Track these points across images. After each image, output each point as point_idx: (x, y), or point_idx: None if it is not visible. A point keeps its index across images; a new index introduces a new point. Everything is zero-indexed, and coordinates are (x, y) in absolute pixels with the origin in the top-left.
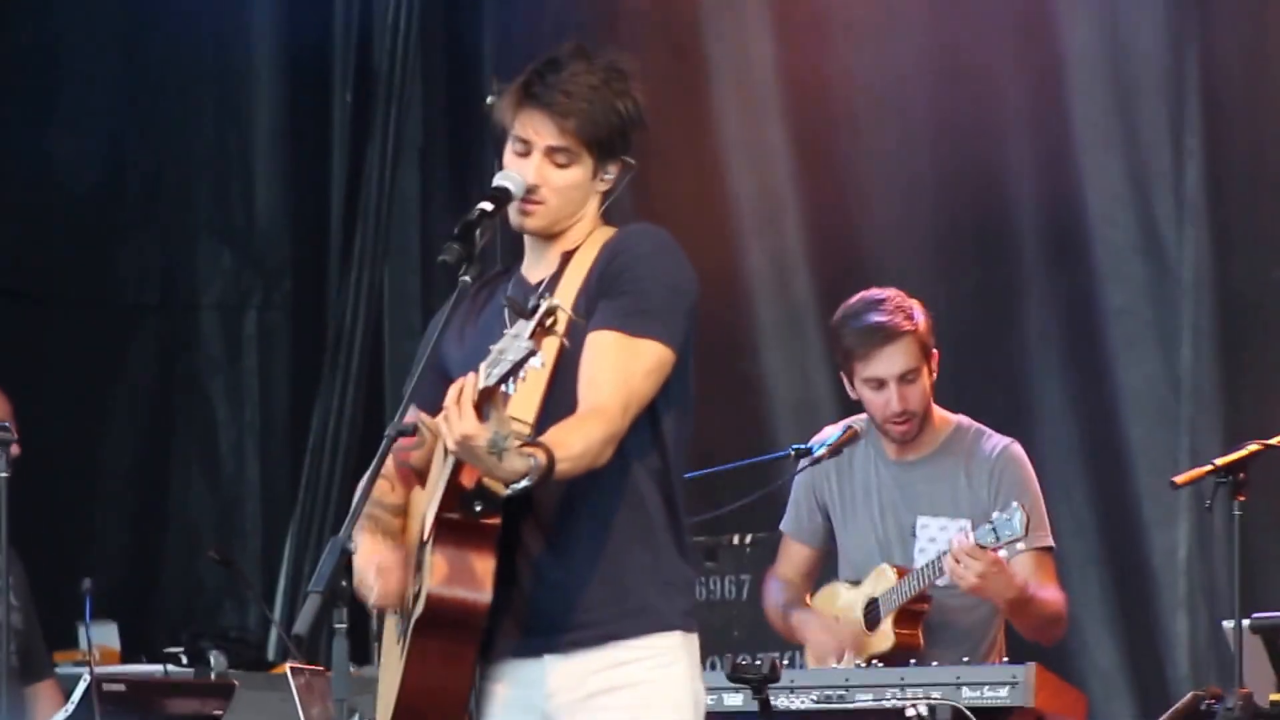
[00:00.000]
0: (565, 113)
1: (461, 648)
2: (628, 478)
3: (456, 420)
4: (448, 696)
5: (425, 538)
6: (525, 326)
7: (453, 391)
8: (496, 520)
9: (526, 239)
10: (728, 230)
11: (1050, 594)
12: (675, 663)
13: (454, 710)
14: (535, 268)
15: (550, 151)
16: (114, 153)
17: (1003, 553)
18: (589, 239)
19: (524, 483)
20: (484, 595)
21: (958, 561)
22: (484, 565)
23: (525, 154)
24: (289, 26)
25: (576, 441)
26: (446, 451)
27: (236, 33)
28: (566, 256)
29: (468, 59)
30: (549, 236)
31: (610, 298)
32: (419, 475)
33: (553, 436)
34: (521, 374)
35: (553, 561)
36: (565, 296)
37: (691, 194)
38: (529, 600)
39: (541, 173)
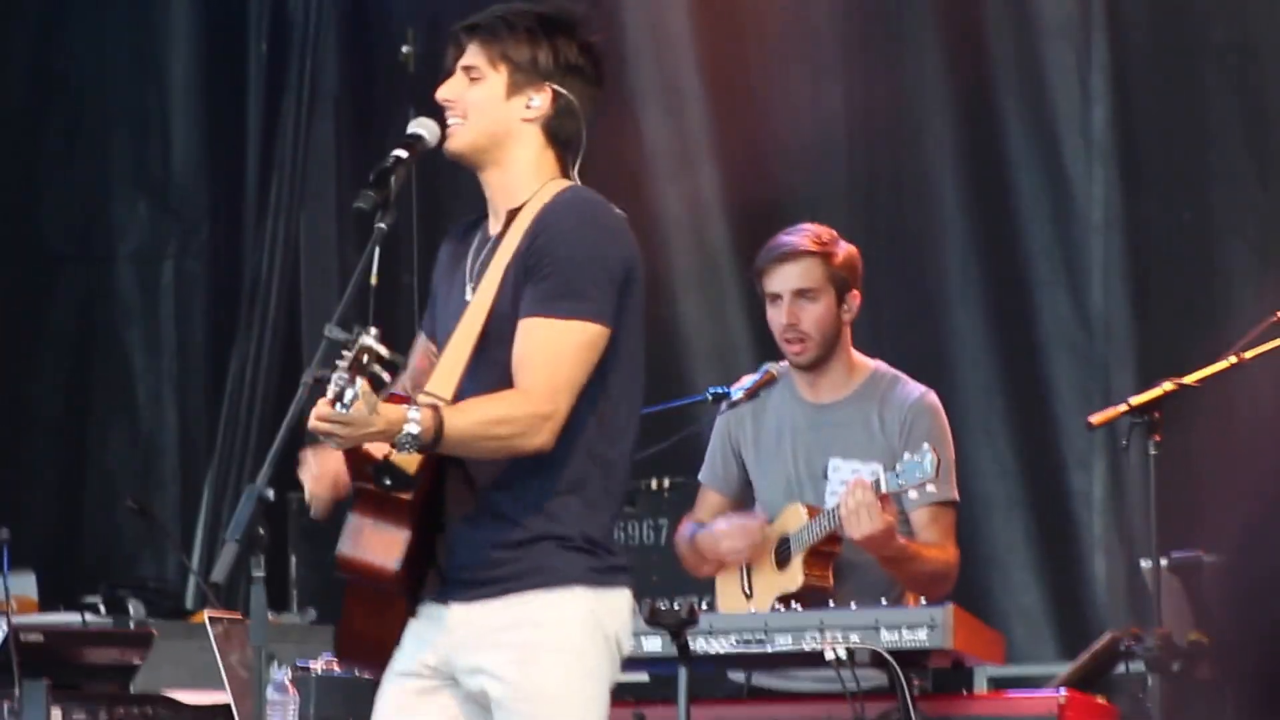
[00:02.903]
0: (476, 31)
1: (384, 602)
2: (548, 453)
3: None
4: (380, 628)
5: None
6: (344, 360)
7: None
8: (406, 496)
9: (486, 193)
10: (642, 177)
11: (937, 551)
12: (573, 613)
13: (386, 641)
14: (493, 221)
15: (464, 70)
16: (30, 103)
17: (912, 494)
18: (535, 196)
19: (408, 430)
20: (390, 564)
21: (852, 511)
22: (395, 536)
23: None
24: None
25: (482, 409)
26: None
27: None
28: (511, 214)
29: (382, 9)
30: (491, 183)
31: (534, 281)
32: None
33: (456, 404)
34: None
35: (466, 527)
36: (500, 260)
37: (605, 141)
38: (446, 557)
39: (455, 88)
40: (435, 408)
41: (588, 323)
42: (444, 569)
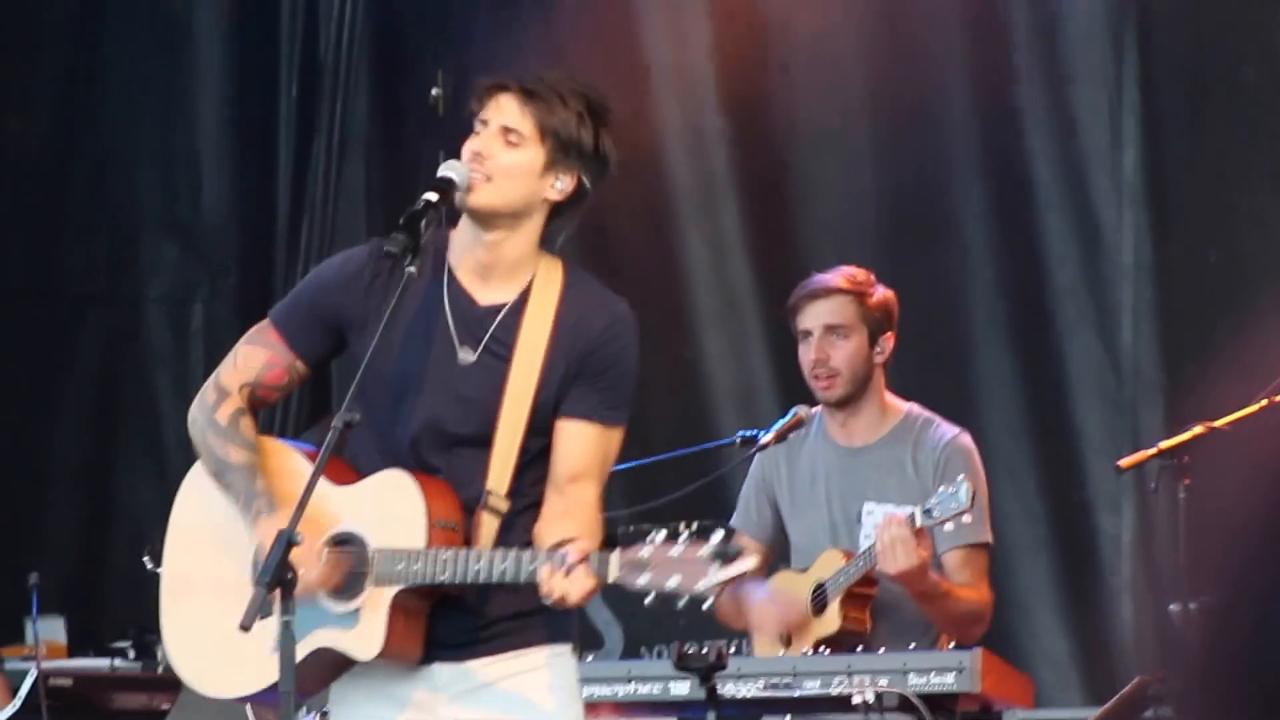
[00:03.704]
0: (529, 96)
1: (351, 664)
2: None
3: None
4: (315, 686)
5: (381, 583)
6: (716, 572)
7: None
8: (456, 591)
9: (466, 245)
10: (665, 216)
11: (971, 592)
12: (568, 665)
13: (315, 691)
14: (481, 287)
15: (504, 130)
16: (59, 144)
17: (948, 526)
18: (540, 272)
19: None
20: (420, 649)
21: (887, 547)
22: (424, 621)
23: (480, 131)
24: (236, 19)
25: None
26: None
27: (183, 25)
28: (525, 291)
29: (412, 54)
30: (493, 244)
31: (595, 387)
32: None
33: (589, 543)
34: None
35: (471, 597)
36: (533, 337)
37: (629, 181)
38: (438, 623)
39: (490, 145)
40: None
41: (622, 430)
42: (429, 632)
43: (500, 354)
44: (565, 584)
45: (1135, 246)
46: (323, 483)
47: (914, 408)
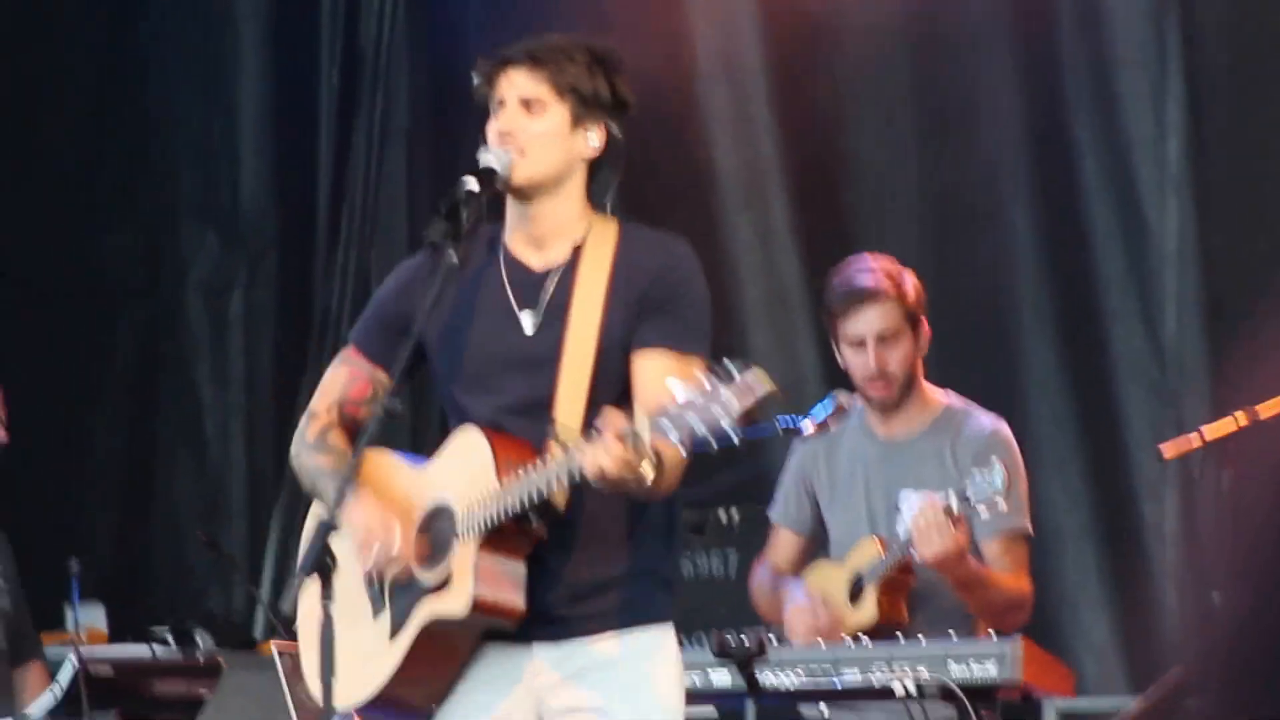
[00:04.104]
0: (537, 62)
1: (464, 644)
2: None
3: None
4: (433, 684)
5: (463, 534)
6: (731, 397)
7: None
8: (544, 532)
9: (513, 219)
10: (713, 207)
11: (1010, 580)
12: (665, 650)
13: (433, 696)
14: (535, 254)
15: (523, 103)
16: (97, 133)
17: (984, 513)
18: (593, 230)
19: (648, 478)
20: (521, 601)
21: (923, 531)
22: (520, 573)
23: (500, 111)
24: (275, 6)
25: (670, 458)
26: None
27: (223, 12)
28: (577, 249)
29: (453, 40)
30: (541, 214)
31: (662, 315)
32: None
33: (619, 416)
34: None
35: (562, 562)
36: (590, 293)
37: (677, 172)
38: (534, 593)
39: (514, 121)
40: (660, 462)
41: (702, 359)
42: (527, 606)
43: (559, 314)
44: (599, 454)
45: (1179, 234)
46: (413, 467)
47: (953, 399)
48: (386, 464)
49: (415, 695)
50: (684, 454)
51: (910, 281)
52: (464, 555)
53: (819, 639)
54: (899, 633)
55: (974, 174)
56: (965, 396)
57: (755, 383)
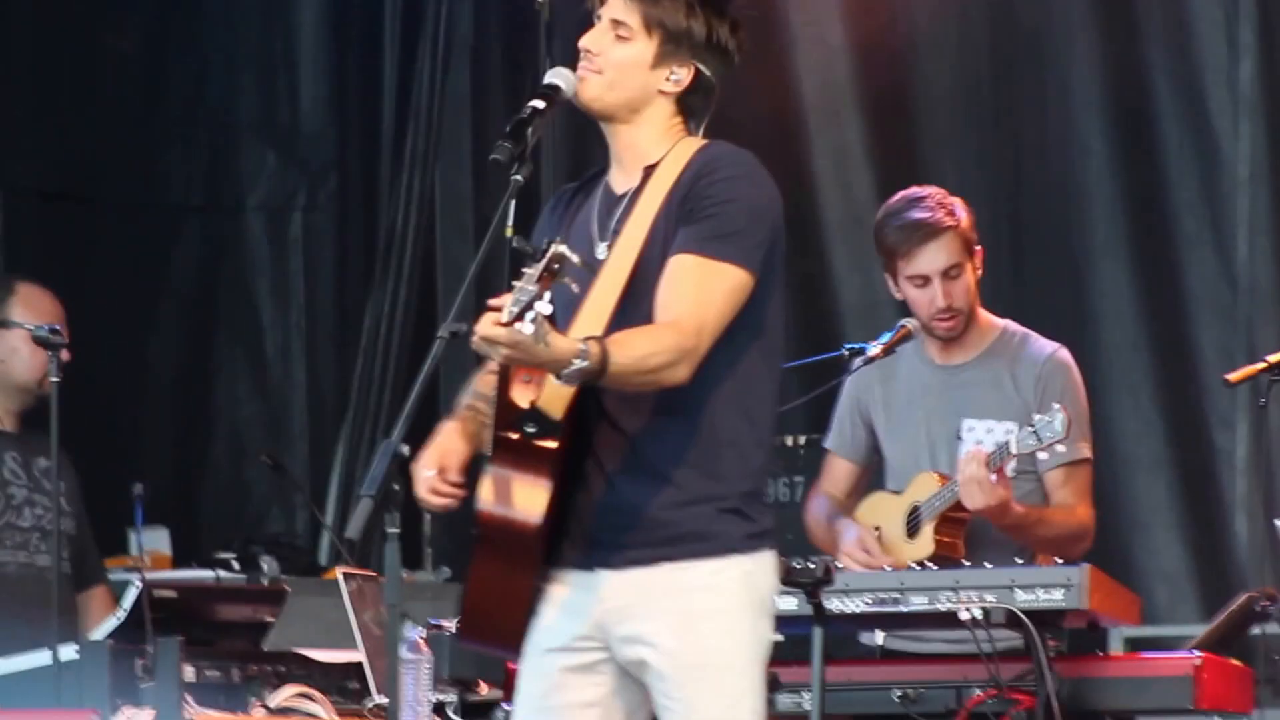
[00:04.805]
0: None
1: (519, 560)
2: (699, 404)
3: (487, 327)
4: (510, 602)
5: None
6: (534, 270)
7: (480, 323)
8: (553, 444)
9: (610, 146)
10: (790, 128)
11: (1063, 515)
12: (731, 580)
13: (517, 614)
14: (621, 178)
15: (614, 24)
16: (156, 54)
17: (1042, 455)
18: (671, 153)
19: (575, 365)
20: (533, 517)
21: (965, 484)
22: (537, 488)
23: (594, 26)
24: None
25: (639, 342)
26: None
27: None
28: (649, 171)
29: None
30: (619, 137)
31: (692, 221)
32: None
33: (613, 336)
34: (533, 313)
35: (618, 483)
36: (645, 211)
37: (754, 93)
38: (594, 516)
39: (599, 41)
40: (600, 340)
41: (738, 268)
42: (589, 529)
43: (619, 234)
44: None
45: (1251, 159)
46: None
47: (1010, 323)
48: None
49: (496, 621)
50: (528, 334)
51: (961, 209)
52: (487, 469)
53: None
54: (954, 567)
55: (1047, 100)
56: (1037, 321)
57: (550, 252)
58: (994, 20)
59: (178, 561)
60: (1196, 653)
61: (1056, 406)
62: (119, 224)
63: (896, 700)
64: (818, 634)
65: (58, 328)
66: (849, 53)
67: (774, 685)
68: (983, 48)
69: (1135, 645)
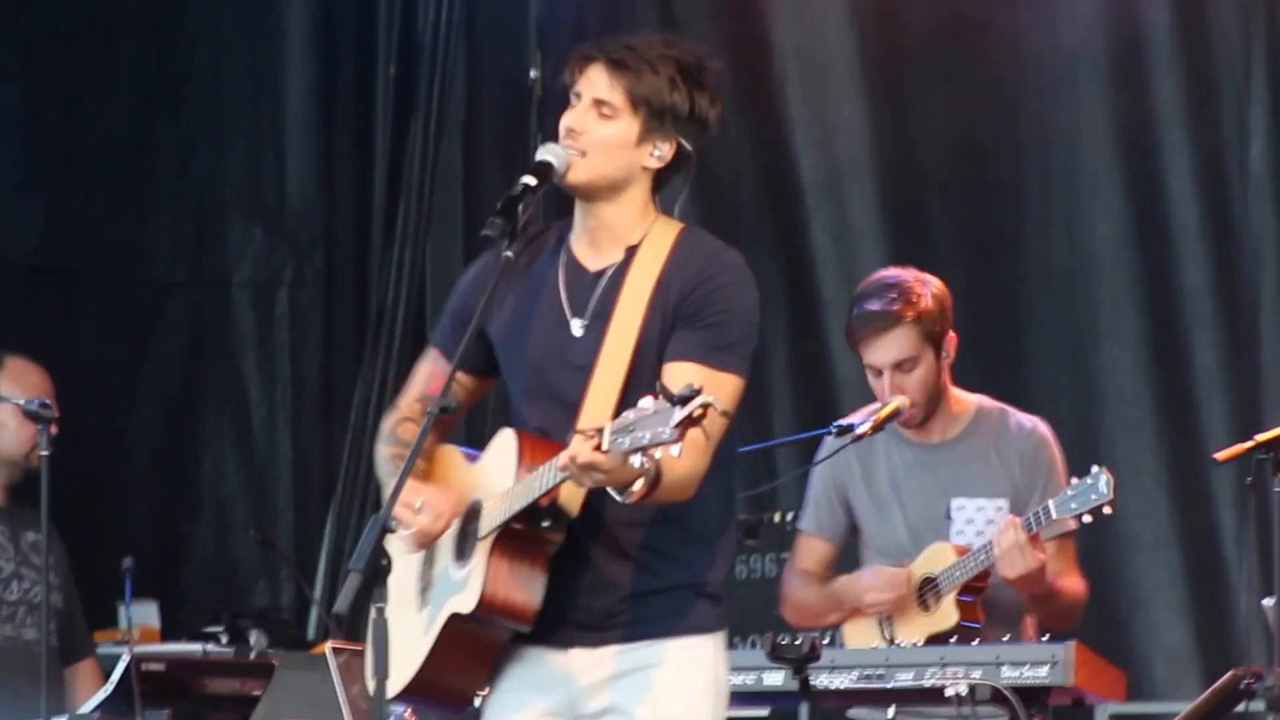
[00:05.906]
0: (619, 66)
1: (490, 640)
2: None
3: (585, 453)
4: (464, 678)
5: (482, 534)
6: (671, 413)
7: (578, 448)
8: (559, 537)
9: (578, 218)
10: (790, 205)
11: (1071, 584)
12: (703, 659)
13: (467, 689)
14: (592, 255)
15: (597, 103)
16: (144, 126)
17: (1086, 518)
18: (651, 234)
19: (636, 486)
20: (533, 604)
21: (1006, 552)
22: (537, 576)
23: (574, 105)
24: None
25: (682, 465)
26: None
27: (272, 3)
28: (630, 251)
29: (512, 33)
30: (598, 215)
31: (693, 327)
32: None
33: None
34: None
35: (599, 565)
36: (635, 296)
37: (754, 169)
38: (572, 596)
39: (583, 120)
40: (658, 466)
41: (737, 376)
42: (565, 610)
43: (604, 316)
44: (571, 448)
45: (1259, 240)
46: (466, 465)
47: (985, 400)
48: (451, 459)
49: (449, 685)
50: (635, 464)
51: (930, 293)
52: (481, 554)
53: (885, 626)
54: (976, 636)
55: (1056, 175)
56: (1040, 398)
57: (699, 399)
58: (1002, 93)
59: (165, 635)
60: None
61: (1098, 468)
62: (105, 298)
63: None
64: (805, 710)
65: (48, 402)
66: (848, 130)
67: None
68: (986, 128)
69: None
